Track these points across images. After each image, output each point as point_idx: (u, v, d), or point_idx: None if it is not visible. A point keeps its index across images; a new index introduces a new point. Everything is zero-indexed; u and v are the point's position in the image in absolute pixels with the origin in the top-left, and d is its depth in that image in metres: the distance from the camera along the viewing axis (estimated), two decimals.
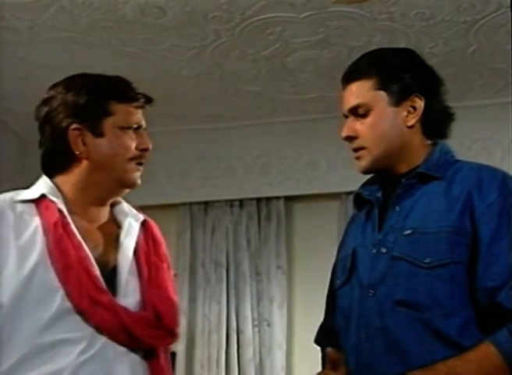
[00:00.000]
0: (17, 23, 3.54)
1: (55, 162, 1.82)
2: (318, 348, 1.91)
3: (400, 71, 1.77)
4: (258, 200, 4.80)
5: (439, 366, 1.54)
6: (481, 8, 3.48)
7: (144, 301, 1.74)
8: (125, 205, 1.90)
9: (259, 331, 4.57)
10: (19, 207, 1.76)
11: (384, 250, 1.69)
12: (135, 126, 1.82)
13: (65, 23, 3.56)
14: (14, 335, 1.63)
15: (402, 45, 3.82)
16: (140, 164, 1.82)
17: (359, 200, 1.87)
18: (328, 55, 3.85)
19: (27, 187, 1.87)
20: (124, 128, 1.80)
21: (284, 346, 4.55)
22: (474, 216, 1.62)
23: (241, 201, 4.81)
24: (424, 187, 1.72)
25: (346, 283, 1.78)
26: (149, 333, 1.71)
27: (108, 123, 1.78)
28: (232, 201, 4.80)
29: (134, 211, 1.90)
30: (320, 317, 1.98)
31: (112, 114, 1.79)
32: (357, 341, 1.68)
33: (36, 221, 1.73)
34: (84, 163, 1.78)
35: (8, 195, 1.79)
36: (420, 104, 1.75)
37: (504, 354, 1.51)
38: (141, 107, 1.85)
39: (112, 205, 1.87)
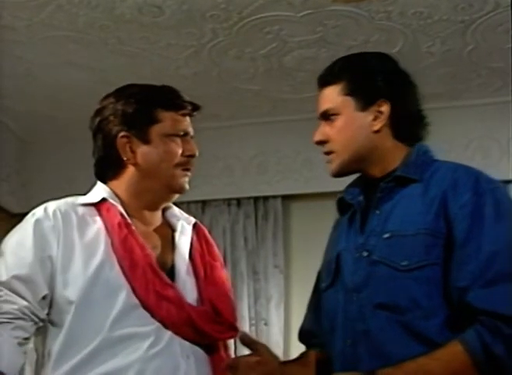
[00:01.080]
0: (15, 21, 3.53)
1: (106, 169, 1.90)
2: None
3: (368, 76, 1.80)
4: (256, 199, 4.80)
5: (409, 363, 1.56)
6: (478, 7, 3.49)
7: (202, 299, 1.82)
8: (176, 209, 2.00)
9: (256, 330, 4.57)
10: (81, 210, 1.84)
11: (365, 254, 1.71)
12: (181, 133, 1.90)
13: (63, 22, 3.55)
14: (84, 330, 1.71)
15: (399, 44, 3.83)
16: (187, 170, 1.91)
17: (342, 204, 1.90)
18: (326, 54, 3.84)
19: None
20: (171, 135, 1.88)
21: (281, 345, 4.55)
22: (448, 217, 1.63)
23: (238, 200, 4.81)
24: (403, 191, 1.73)
25: (330, 287, 1.80)
26: (212, 327, 1.79)
27: (155, 131, 1.86)
28: (229, 200, 4.80)
29: (185, 214, 2.01)
30: None
31: (158, 121, 1.87)
32: (342, 345, 1.71)
33: (98, 222, 1.82)
34: (132, 169, 1.87)
35: (69, 199, 1.88)
36: (386, 109, 1.77)
37: (470, 353, 1.52)
38: (188, 114, 1.94)
39: (163, 210, 1.97)
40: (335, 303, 1.76)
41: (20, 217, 1.89)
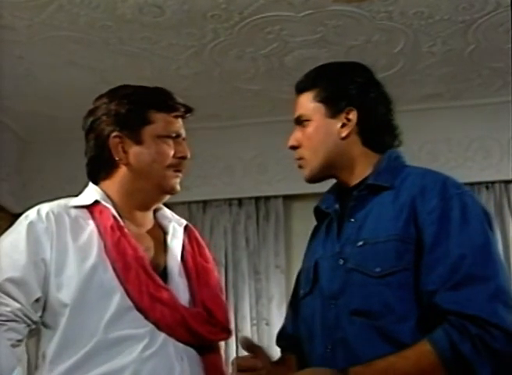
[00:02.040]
0: (15, 21, 3.53)
1: (98, 169, 1.91)
2: None
3: (339, 85, 1.84)
4: (257, 199, 4.80)
5: (379, 362, 1.59)
6: (479, 7, 3.49)
7: (194, 300, 1.83)
8: (167, 211, 2.00)
9: (258, 330, 4.57)
10: (74, 212, 1.85)
11: (341, 262, 1.74)
12: (173, 134, 1.91)
13: (64, 22, 3.55)
14: (78, 333, 1.71)
15: (400, 44, 3.83)
16: (178, 171, 1.91)
17: (319, 212, 1.95)
18: (327, 54, 3.85)
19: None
20: (163, 136, 1.88)
21: None
22: (418, 223, 1.67)
23: (240, 200, 4.80)
24: (375, 198, 1.77)
25: (309, 294, 1.83)
26: (205, 328, 1.79)
27: (148, 132, 1.87)
28: (230, 200, 4.80)
29: (176, 216, 2.00)
30: None
31: (151, 123, 1.87)
32: (323, 351, 1.73)
33: (91, 225, 1.82)
34: (124, 170, 1.87)
35: (62, 201, 1.89)
36: (354, 116, 1.81)
37: (439, 351, 1.55)
38: (181, 116, 1.95)
39: (154, 211, 1.97)
40: (312, 310, 1.79)
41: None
